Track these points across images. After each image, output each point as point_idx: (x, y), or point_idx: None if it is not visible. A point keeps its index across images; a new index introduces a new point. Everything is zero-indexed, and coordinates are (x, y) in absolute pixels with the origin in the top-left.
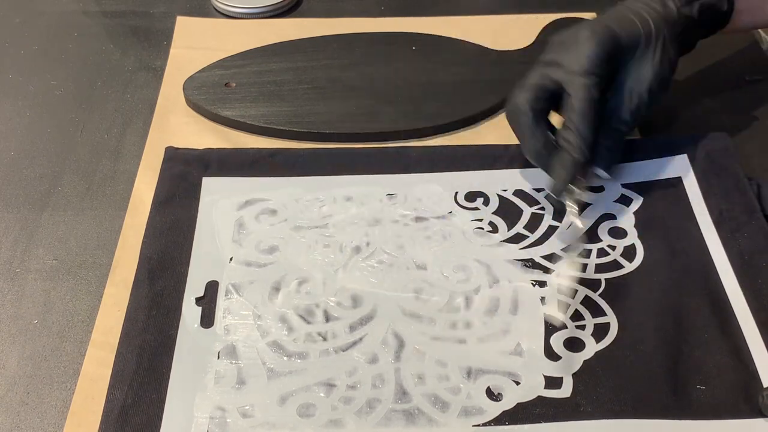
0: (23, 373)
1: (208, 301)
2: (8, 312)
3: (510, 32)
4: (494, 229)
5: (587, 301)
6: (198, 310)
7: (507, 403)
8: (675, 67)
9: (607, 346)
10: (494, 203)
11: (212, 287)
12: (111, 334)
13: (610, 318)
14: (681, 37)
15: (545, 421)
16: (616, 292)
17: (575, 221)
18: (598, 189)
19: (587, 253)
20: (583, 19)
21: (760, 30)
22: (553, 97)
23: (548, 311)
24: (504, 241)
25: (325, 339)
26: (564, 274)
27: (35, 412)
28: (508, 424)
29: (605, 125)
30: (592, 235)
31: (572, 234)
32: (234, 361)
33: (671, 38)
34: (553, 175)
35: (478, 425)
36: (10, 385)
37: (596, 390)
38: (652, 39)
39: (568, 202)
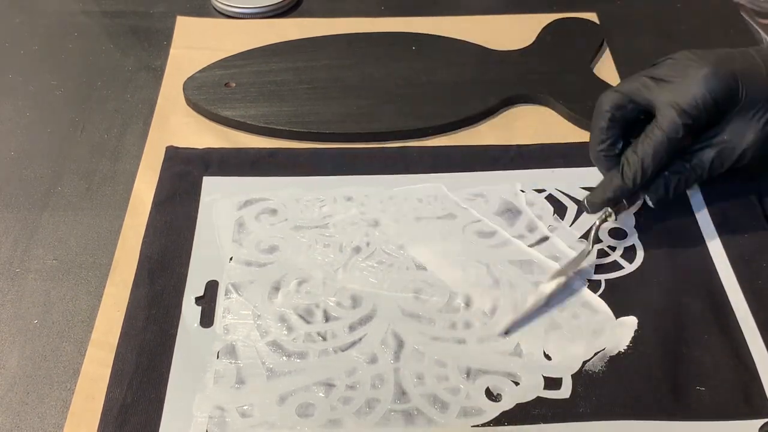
0: (23, 373)
1: (207, 300)
2: (8, 312)
3: (510, 32)
4: (494, 229)
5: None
6: (198, 310)
7: (506, 404)
8: None
9: (606, 347)
10: (494, 204)
11: (212, 287)
12: (111, 334)
13: None
14: None
15: (544, 422)
16: (616, 293)
17: (588, 245)
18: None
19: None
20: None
21: (759, 30)
22: (640, 110)
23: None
24: (504, 241)
25: (324, 339)
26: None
27: (35, 412)
28: (508, 425)
29: (681, 161)
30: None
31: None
32: (233, 361)
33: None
34: (597, 188)
35: (478, 426)
36: (10, 385)
37: (595, 391)
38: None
39: (598, 217)
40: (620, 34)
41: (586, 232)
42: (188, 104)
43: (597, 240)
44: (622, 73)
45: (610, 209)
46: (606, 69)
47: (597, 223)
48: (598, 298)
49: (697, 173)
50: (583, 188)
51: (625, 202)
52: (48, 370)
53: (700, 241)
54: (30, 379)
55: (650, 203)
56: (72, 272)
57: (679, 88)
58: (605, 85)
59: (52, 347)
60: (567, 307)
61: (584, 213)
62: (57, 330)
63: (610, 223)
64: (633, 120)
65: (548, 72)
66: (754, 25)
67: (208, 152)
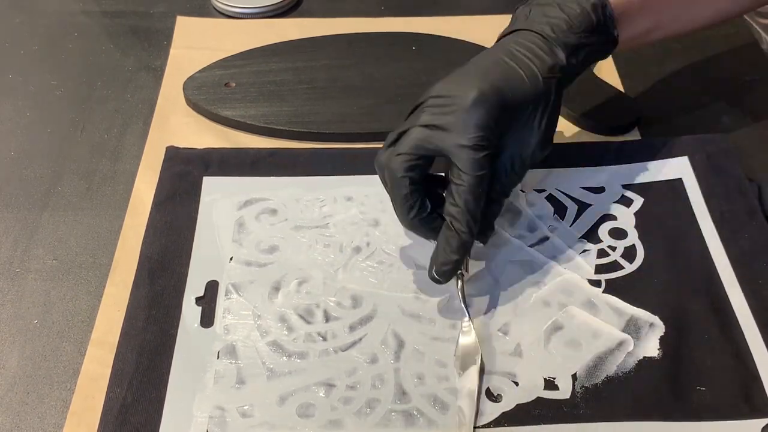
0: (23, 373)
1: (208, 300)
2: (8, 312)
3: None
4: (494, 229)
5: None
6: (198, 310)
7: (506, 405)
8: (556, 123)
9: (606, 348)
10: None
11: (212, 287)
12: (111, 334)
13: None
14: (564, 87)
15: (545, 423)
16: (616, 292)
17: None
18: (599, 190)
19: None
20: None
21: (760, 30)
22: (430, 164)
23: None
24: (504, 241)
25: (324, 339)
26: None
27: (35, 412)
28: (508, 426)
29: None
30: (592, 236)
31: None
32: (234, 361)
33: (557, 96)
34: (440, 257)
35: (478, 426)
36: (10, 385)
37: (596, 392)
38: (541, 101)
39: (458, 285)
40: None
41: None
42: (188, 104)
43: (466, 309)
44: (622, 73)
45: (461, 271)
46: (606, 69)
47: (460, 287)
48: (600, 297)
49: (503, 195)
50: (584, 188)
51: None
52: (48, 370)
53: (700, 240)
54: (30, 379)
55: (479, 245)
56: (72, 272)
57: (458, 125)
58: (605, 85)
59: (52, 347)
60: (568, 306)
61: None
62: (57, 330)
63: (467, 278)
64: (425, 176)
65: None
66: (754, 25)
67: (208, 152)
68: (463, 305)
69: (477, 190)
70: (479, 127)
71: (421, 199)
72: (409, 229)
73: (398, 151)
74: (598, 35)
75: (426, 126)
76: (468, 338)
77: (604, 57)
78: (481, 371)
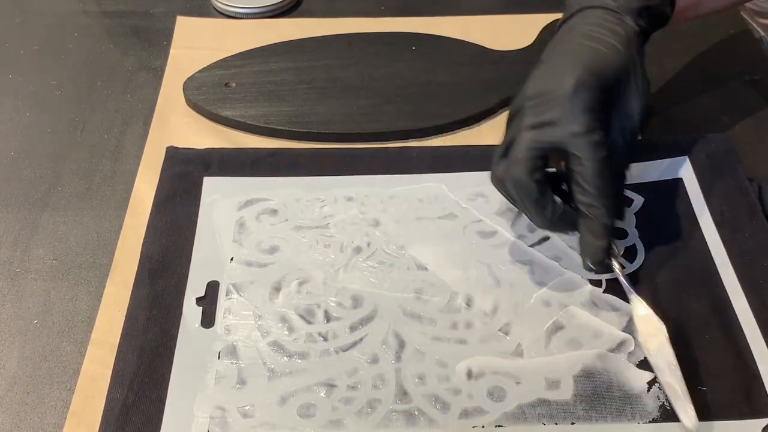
0: (23, 373)
1: (208, 301)
2: (8, 312)
3: (510, 32)
4: (495, 229)
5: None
6: (199, 310)
7: (507, 404)
8: (650, 84)
9: (607, 347)
10: (495, 203)
11: (213, 287)
12: (111, 334)
13: None
14: (643, 49)
15: (545, 423)
16: (616, 292)
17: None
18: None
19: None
20: None
21: (759, 30)
22: (548, 159)
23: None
24: (505, 241)
25: (325, 339)
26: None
27: (35, 412)
28: (509, 425)
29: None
30: None
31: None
32: (234, 361)
33: (641, 58)
34: (588, 247)
35: (479, 426)
36: (10, 385)
37: (596, 392)
38: (631, 68)
39: (614, 264)
40: None
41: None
42: (188, 104)
43: (629, 287)
44: None
45: (614, 251)
46: None
47: (617, 268)
48: (601, 297)
49: (623, 168)
50: None
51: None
52: (48, 370)
53: (700, 240)
54: (30, 379)
55: (620, 224)
56: (72, 272)
57: (566, 115)
58: None
59: (52, 347)
60: (569, 306)
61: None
62: (57, 330)
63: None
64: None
65: None
66: (754, 25)
67: (209, 152)
68: (626, 283)
69: (603, 172)
70: (586, 111)
71: (551, 196)
72: (550, 230)
73: (514, 158)
74: None
75: (533, 127)
76: (645, 313)
77: (664, 23)
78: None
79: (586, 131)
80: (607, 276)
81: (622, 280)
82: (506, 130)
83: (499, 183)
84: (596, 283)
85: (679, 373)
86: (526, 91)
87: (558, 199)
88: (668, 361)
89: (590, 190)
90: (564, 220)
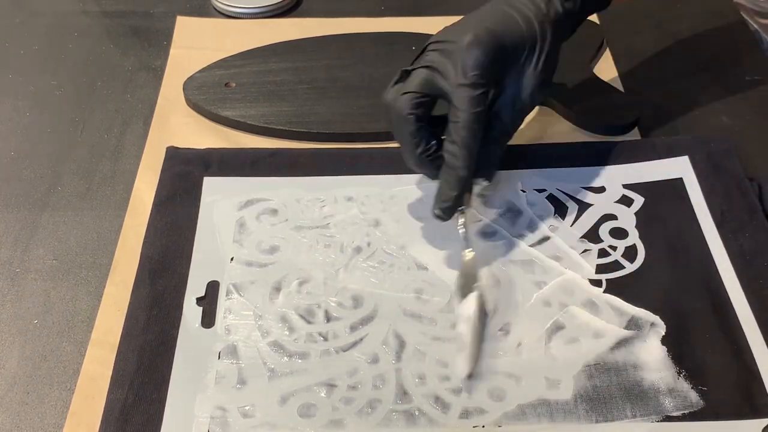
0: (23, 373)
1: (209, 301)
2: (8, 312)
3: None
4: (495, 229)
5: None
6: (199, 310)
7: (507, 404)
8: (556, 66)
9: (607, 347)
10: (495, 204)
11: (213, 287)
12: (111, 334)
13: None
14: (562, 33)
15: (545, 423)
16: (617, 292)
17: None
18: (599, 189)
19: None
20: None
21: (759, 30)
22: (434, 103)
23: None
24: (505, 241)
25: (326, 339)
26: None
27: (35, 412)
28: (508, 425)
29: (488, 132)
30: (593, 236)
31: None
32: (235, 361)
33: (554, 39)
34: (441, 194)
35: (479, 426)
36: (10, 385)
37: (596, 392)
38: (537, 43)
39: (459, 221)
40: (620, 34)
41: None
42: (188, 104)
43: (467, 241)
44: (622, 73)
45: (462, 207)
46: (606, 69)
47: (461, 222)
48: (601, 297)
49: (505, 135)
50: (584, 188)
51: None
52: (48, 370)
53: (700, 240)
54: (30, 379)
55: (484, 183)
56: (72, 272)
57: (456, 66)
58: (605, 85)
59: (52, 347)
60: (569, 306)
61: (588, 211)
62: (57, 330)
63: (472, 219)
64: (429, 117)
65: None
66: (754, 25)
67: (209, 152)
68: (464, 237)
69: (473, 126)
70: (474, 67)
71: (427, 136)
72: (416, 168)
73: (404, 89)
74: None
75: (428, 67)
76: (468, 268)
77: (601, 8)
78: (483, 311)
79: (469, 84)
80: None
81: (464, 234)
82: (411, 62)
83: (385, 107)
84: (596, 284)
85: (474, 329)
86: (436, 35)
87: (434, 142)
88: (468, 315)
89: (456, 139)
90: (432, 163)
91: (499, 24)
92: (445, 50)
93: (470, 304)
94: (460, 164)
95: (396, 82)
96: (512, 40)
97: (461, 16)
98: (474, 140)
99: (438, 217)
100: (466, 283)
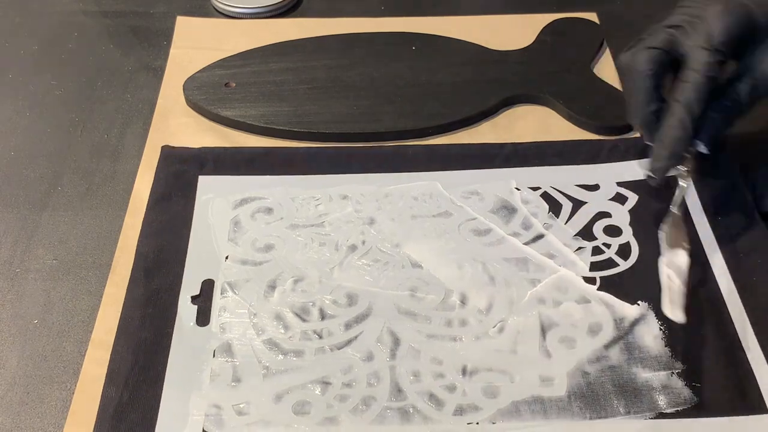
0: (23, 373)
1: (203, 299)
2: (8, 312)
3: (510, 32)
4: (489, 227)
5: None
6: (194, 309)
7: (502, 401)
8: None
9: (601, 344)
10: (489, 201)
11: (208, 285)
12: (111, 334)
13: None
14: None
15: (540, 420)
16: (611, 290)
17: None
18: (593, 187)
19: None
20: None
21: None
22: (672, 64)
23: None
24: (499, 239)
25: (320, 337)
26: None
27: (35, 412)
28: (503, 422)
29: (719, 100)
30: (587, 234)
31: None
32: (230, 359)
33: None
34: (655, 153)
35: (473, 423)
36: (10, 385)
37: (590, 389)
38: None
39: (679, 178)
40: (620, 34)
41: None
42: (188, 104)
43: (684, 205)
44: None
45: (681, 168)
46: (606, 69)
47: (677, 193)
48: (596, 294)
49: (738, 108)
50: (578, 185)
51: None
52: (48, 370)
53: (694, 238)
54: (30, 379)
55: (703, 149)
56: (72, 272)
57: (700, 29)
58: (605, 85)
59: (52, 347)
60: (563, 303)
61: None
62: (57, 330)
63: (689, 183)
64: (664, 76)
65: (548, 72)
66: None
67: (204, 151)
68: (680, 197)
69: (701, 89)
70: (720, 34)
71: (658, 96)
72: (641, 124)
73: (645, 44)
74: None
75: (672, 27)
76: (677, 225)
77: None
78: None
79: (708, 48)
80: (600, 273)
81: (678, 205)
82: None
83: (623, 65)
84: (591, 281)
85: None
86: (682, 3)
87: (662, 104)
88: (682, 267)
89: (680, 98)
90: (655, 125)
91: (740, 6)
92: (692, 14)
93: (684, 258)
94: (678, 124)
95: (633, 45)
96: (761, 18)
97: (461, 16)
98: (698, 103)
99: (649, 177)
100: (677, 239)
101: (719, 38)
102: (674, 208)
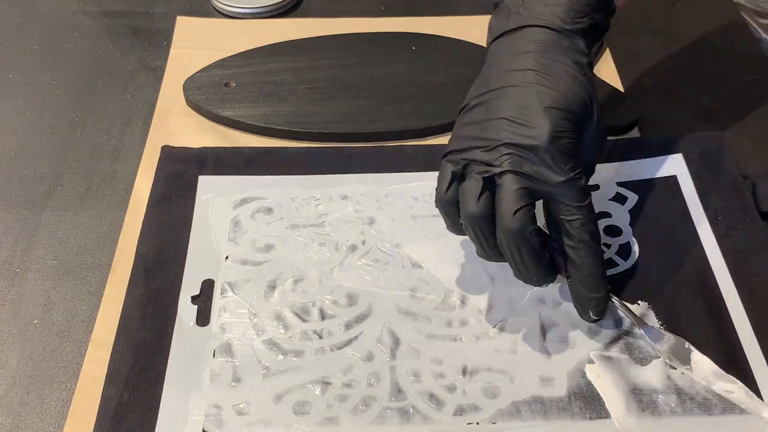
0: (23, 373)
1: (203, 299)
2: (8, 312)
3: None
4: None
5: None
6: (194, 309)
7: (502, 401)
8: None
9: (601, 344)
10: None
11: (208, 285)
12: (111, 334)
13: None
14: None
15: (540, 420)
16: (611, 290)
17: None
18: (593, 187)
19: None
20: None
21: (759, 30)
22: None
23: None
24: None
25: (320, 337)
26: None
27: (35, 412)
28: (503, 422)
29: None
30: None
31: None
32: (230, 359)
33: (592, 83)
34: (589, 302)
35: (473, 423)
36: (10, 385)
37: (590, 389)
38: (592, 97)
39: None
40: (620, 34)
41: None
42: (188, 104)
43: (640, 321)
44: (622, 73)
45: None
46: (606, 69)
47: (619, 303)
48: None
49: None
50: None
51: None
52: (48, 370)
53: (694, 238)
54: (30, 379)
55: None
56: (72, 272)
57: (550, 170)
58: (605, 85)
59: (52, 347)
60: (563, 303)
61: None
62: (57, 330)
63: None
64: None
65: None
66: (754, 25)
67: (204, 151)
68: (630, 317)
69: (593, 217)
70: (567, 157)
71: (545, 252)
72: (543, 280)
73: (507, 209)
74: (602, 9)
75: (515, 173)
76: (667, 340)
77: (601, 37)
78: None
79: (572, 179)
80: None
81: (629, 317)
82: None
83: (467, 218)
84: None
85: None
86: (498, 135)
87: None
88: (712, 371)
89: (586, 238)
90: (552, 270)
91: (562, 100)
92: (525, 154)
93: (711, 366)
94: (599, 261)
95: (448, 187)
96: (580, 109)
97: (461, 16)
98: (598, 231)
99: (595, 321)
100: (679, 351)
101: (569, 163)
102: (639, 329)
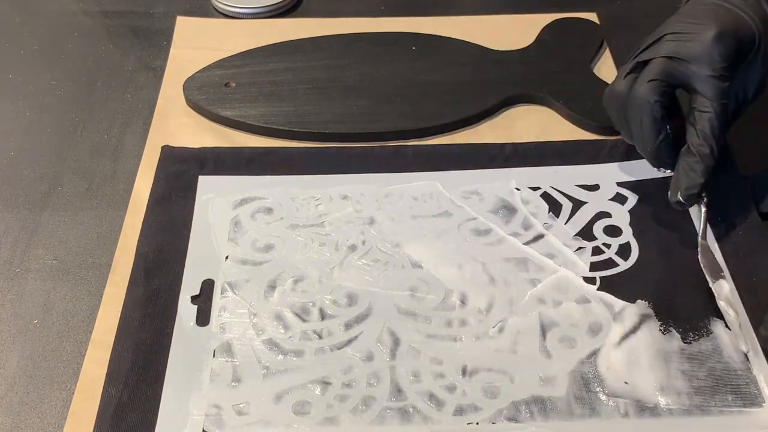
0: (23, 373)
1: (203, 299)
2: (8, 312)
3: (510, 32)
4: (489, 227)
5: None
6: (194, 309)
7: (502, 401)
8: None
9: (601, 344)
10: (489, 201)
11: (208, 285)
12: (111, 334)
13: None
14: None
15: (540, 420)
16: (611, 290)
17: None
18: (593, 187)
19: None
20: (585, 20)
21: None
22: (673, 92)
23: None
24: (499, 239)
25: (320, 337)
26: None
27: (35, 412)
28: (503, 422)
29: None
30: (587, 234)
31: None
32: (230, 359)
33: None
34: (685, 182)
35: (473, 423)
36: (10, 385)
37: (590, 389)
38: (761, 45)
39: (701, 209)
40: (620, 34)
41: (581, 230)
42: (188, 104)
43: (705, 230)
44: None
45: (704, 195)
46: (606, 69)
47: (704, 211)
48: (595, 294)
49: (728, 127)
50: (578, 186)
51: None
52: (48, 370)
53: (694, 238)
54: (30, 379)
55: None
56: (72, 272)
57: (703, 58)
58: (605, 85)
59: (52, 347)
60: (563, 303)
61: (582, 209)
62: (57, 330)
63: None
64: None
65: (548, 72)
66: None
67: (204, 151)
68: (705, 225)
69: (722, 117)
70: (723, 59)
71: (667, 124)
72: (651, 156)
73: (647, 77)
74: None
75: (669, 57)
76: (709, 254)
77: None
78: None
79: (719, 77)
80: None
81: (703, 222)
82: (634, 55)
83: (616, 98)
84: (590, 281)
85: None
86: (670, 26)
87: (670, 131)
88: (728, 296)
89: (706, 129)
90: (669, 152)
91: (734, 23)
92: (689, 41)
93: (726, 287)
94: (709, 153)
95: (628, 73)
96: (746, 40)
97: (461, 16)
98: (722, 130)
99: (679, 204)
100: (714, 270)
101: (724, 63)
102: (702, 238)
